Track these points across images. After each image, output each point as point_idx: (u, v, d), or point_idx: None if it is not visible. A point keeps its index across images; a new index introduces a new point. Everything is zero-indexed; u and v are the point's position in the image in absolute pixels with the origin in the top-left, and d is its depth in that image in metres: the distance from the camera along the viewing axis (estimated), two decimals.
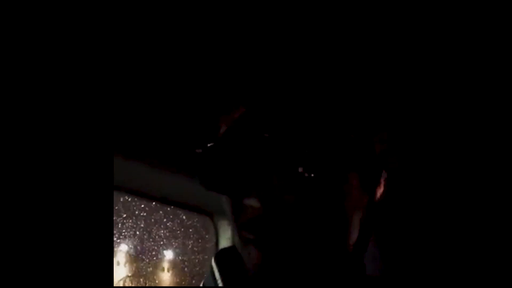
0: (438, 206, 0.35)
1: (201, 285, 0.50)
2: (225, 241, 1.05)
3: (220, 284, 0.46)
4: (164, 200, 0.98)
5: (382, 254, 0.81)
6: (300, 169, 0.40)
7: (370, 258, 0.79)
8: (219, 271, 0.47)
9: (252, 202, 0.39)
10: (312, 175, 0.40)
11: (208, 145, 0.43)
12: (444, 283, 0.33)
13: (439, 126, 0.36)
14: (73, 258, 0.34)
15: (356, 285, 0.44)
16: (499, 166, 0.34)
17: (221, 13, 0.59)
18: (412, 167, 0.37)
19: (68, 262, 0.34)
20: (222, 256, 0.48)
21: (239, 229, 0.42)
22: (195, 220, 1.20)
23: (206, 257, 1.17)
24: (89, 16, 0.36)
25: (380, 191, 0.46)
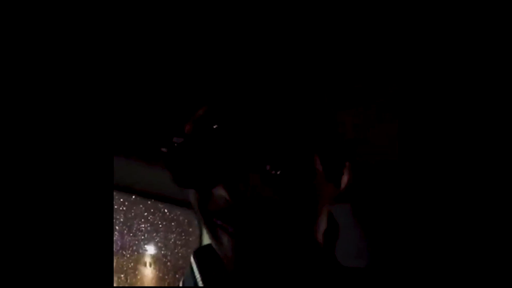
0: (429, 200, 0.36)
1: (181, 282, 0.51)
2: None
3: (199, 281, 0.47)
4: (144, 194, 0.99)
5: (369, 247, 0.83)
6: (264, 160, 0.42)
7: (355, 251, 0.82)
8: (198, 268, 0.48)
9: (220, 192, 0.41)
10: (276, 165, 0.42)
11: (174, 142, 0.45)
12: (432, 275, 0.35)
13: (440, 120, 0.37)
14: (73, 253, 0.35)
15: (327, 274, 0.47)
16: (492, 157, 0.35)
17: (188, 17, 0.60)
18: (409, 160, 0.38)
19: (68, 256, 0.35)
20: (202, 253, 0.50)
21: (208, 218, 0.44)
22: (177, 214, 1.21)
23: (189, 251, 1.18)
24: (79, 18, 0.38)
25: (345, 180, 0.49)
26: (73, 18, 0.38)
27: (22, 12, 0.36)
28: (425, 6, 0.39)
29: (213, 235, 0.44)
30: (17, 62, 0.36)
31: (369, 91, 0.78)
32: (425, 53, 0.39)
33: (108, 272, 0.36)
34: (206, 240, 1.07)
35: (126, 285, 1.12)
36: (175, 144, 0.45)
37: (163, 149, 0.45)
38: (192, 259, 0.50)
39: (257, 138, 0.42)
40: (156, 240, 1.19)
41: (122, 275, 1.13)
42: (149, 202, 1.14)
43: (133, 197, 1.06)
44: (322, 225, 0.46)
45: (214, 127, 0.42)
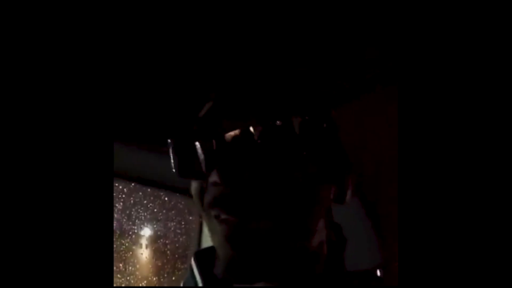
0: (438, 197, 0.36)
1: (181, 284, 0.52)
2: None
3: (200, 284, 0.48)
4: (144, 181, 0.98)
5: (380, 245, 0.83)
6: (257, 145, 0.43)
7: (367, 249, 0.82)
8: (199, 270, 0.49)
9: (214, 178, 0.42)
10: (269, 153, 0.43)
11: (179, 135, 0.46)
12: (443, 276, 0.35)
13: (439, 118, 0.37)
14: (72, 243, 0.36)
15: (333, 274, 0.47)
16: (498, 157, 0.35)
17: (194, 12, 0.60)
18: (412, 157, 0.38)
19: (67, 246, 0.35)
20: (202, 256, 0.50)
21: (205, 208, 0.44)
22: (177, 202, 1.21)
23: (189, 239, 1.18)
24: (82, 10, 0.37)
25: (349, 195, 0.48)
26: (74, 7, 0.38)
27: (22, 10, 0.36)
28: (424, 2, 0.38)
29: (209, 225, 0.45)
30: (15, 45, 0.35)
31: (365, 83, 0.77)
32: (425, 42, 0.38)
33: (107, 263, 0.36)
34: (206, 229, 1.07)
35: (125, 274, 1.12)
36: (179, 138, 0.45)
37: (170, 140, 0.46)
38: (192, 261, 0.50)
39: (256, 130, 0.43)
40: (156, 228, 1.19)
41: (120, 264, 1.13)
42: (148, 190, 1.13)
43: (132, 184, 1.05)
44: (321, 223, 0.46)
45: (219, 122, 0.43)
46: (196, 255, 0.51)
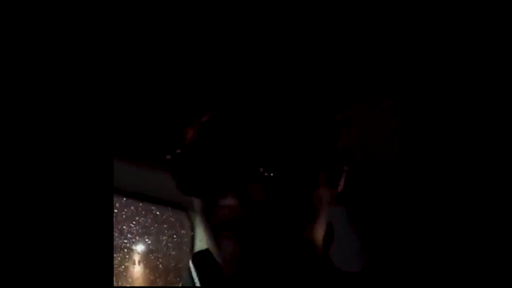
0: (423, 200, 0.36)
1: (180, 284, 0.52)
2: (201, 235, 1.07)
3: (198, 285, 0.48)
4: (136, 196, 0.98)
5: (364, 249, 0.84)
6: (266, 170, 0.42)
7: (352, 254, 0.82)
8: (197, 272, 0.49)
9: (229, 201, 0.41)
10: (278, 174, 0.43)
11: (178, 151, 0.45)
12: (428, 278, 0.35)
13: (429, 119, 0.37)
14: (74, 255, 0.36)
15: (325, 278, 0.47)
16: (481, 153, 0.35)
17: (190, 21, 0.61)
18: (408, 160, 0.38)
19: (68, 258, 0.35)
20: (199, 258, 0.50)
21: (214, 227, 0.44)
22: (169, 215, 1.20)
23: (181, 253, 1.17)
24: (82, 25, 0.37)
25: (341, 184, 0.49)
26: (76, 19, 0.38)
27: (22, 13, 0.36)
28: (425, 5, 0.39)
29: (217, 243, 0.44)
30: (17, 65, 0.36)
31: (366, 88, 0.78)
32: (425, 49, 0.38)
33: (108, 273, 0.36)
34: (198, 242, 1.07)
35: None
36: (178, 153, 0.44)
37: (168, 156, 0.45)
38: (190, 264, 0.51)
39: (255, 142, 0.42)
40: (148, 242, 1.18)
41: (113, 278, 1.12)
42: (140, 204, 1.13)
43: (124, 199, 1.05)
44: (321, 227, 0.46)
45: (219, 133, 0.42)
46: (193, 258, 0.51)
